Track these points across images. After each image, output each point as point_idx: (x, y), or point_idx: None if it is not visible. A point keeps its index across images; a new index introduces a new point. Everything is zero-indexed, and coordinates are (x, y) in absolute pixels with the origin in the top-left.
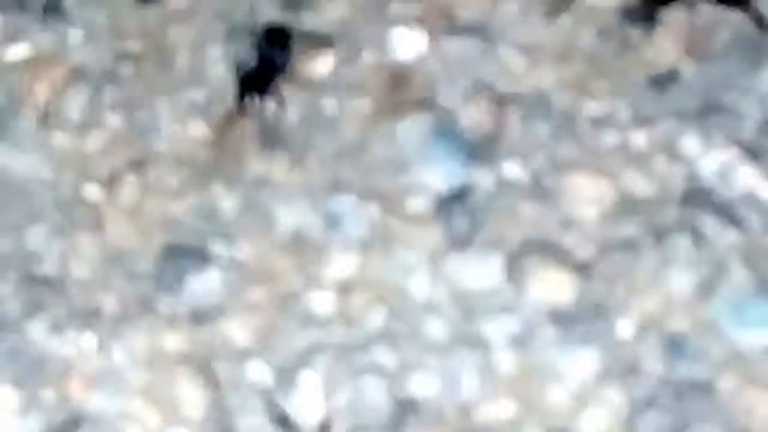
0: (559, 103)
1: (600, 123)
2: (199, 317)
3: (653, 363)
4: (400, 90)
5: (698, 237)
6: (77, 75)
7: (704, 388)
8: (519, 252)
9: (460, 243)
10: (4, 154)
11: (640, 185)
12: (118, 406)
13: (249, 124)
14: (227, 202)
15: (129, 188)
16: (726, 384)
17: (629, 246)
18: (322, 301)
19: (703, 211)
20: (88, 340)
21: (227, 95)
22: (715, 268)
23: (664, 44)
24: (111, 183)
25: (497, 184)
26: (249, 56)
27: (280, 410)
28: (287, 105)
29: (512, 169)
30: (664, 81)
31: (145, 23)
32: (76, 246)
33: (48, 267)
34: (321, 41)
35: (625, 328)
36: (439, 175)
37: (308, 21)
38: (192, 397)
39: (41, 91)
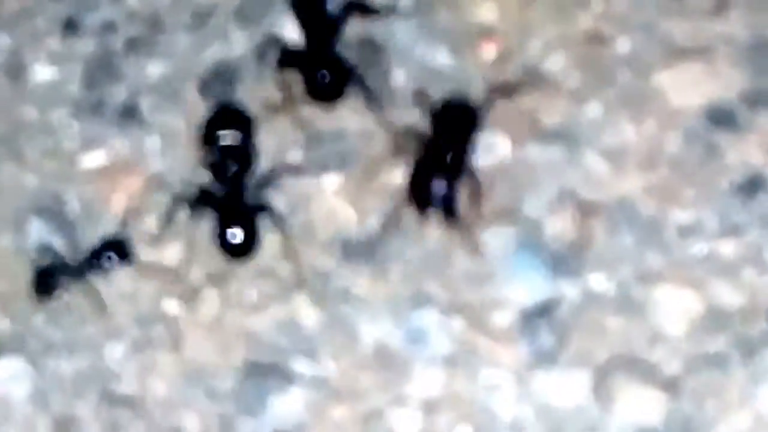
0: (645, 211)
1: (687, 232)
2: None
3: None
4: (483, 199)
5: None
6: (155, 184)
7: None
8: (605, 368)
9: (546, 359)
10: None
11: (728, 297)
12: None
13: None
14: (309, 316)
15: (209, 303)
16: None
17: (717, 361)
18: (406, 420)
19: None
20: None
21: (309, 204)
22: None
23: (751, 149)
24: (190, 297)
25: (583, 297)
26: None
27: None
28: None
29: (598, 281)
30: (751, 187)
31: None
32: (155, 363)
33: (127, 385)
34: (403, 148)
35: None
36: (523, 288)
37: (390, 128)
38: None
39: (118, 201)
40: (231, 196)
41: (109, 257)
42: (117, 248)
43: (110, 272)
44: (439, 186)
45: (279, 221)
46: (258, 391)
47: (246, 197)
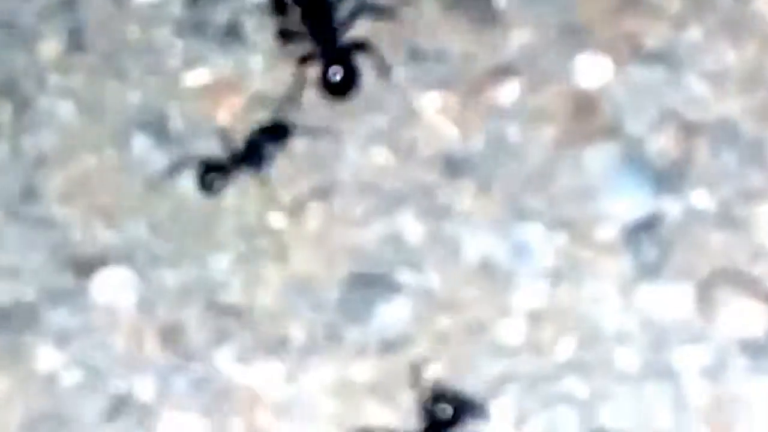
0: (746, 132)
1: None
2: (387, 347)
3: None
4: (585, 118)
5: None
6: (258, 101)
7: None
8: (708, 282)
9: (650, 273)
10: (188, 181)
11: None
12: None
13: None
14: (413, 230)
15: (313, 216)
16: None
17: None
18: (511, 331)
19: None
20: (276, 369)
21: (412, 121)
22: None
23: None
24: (295, 211)
25: (685, 214)
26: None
27: None
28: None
29: (700, 198)
30: None
31: None
32: (260, 275)
33: (233, 296)
34: (506, 68)
35: None
36: (626, 204)
37: (494, 48)
38: (380, 426)
39: (222, 118)
40: (325, 37)
41: (267, 144)
42: (275, 133)
43: (272, 158)
44: None
45: (378, 59)
46: (363, 301)
47: (340, 37)
